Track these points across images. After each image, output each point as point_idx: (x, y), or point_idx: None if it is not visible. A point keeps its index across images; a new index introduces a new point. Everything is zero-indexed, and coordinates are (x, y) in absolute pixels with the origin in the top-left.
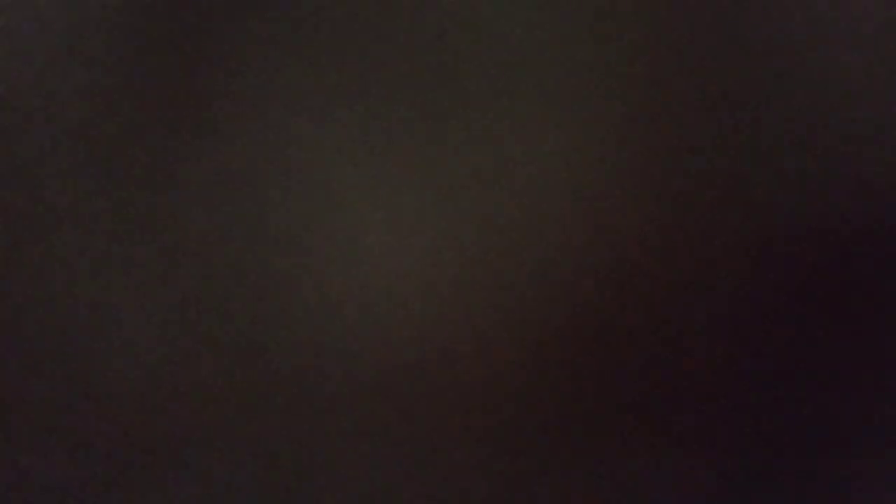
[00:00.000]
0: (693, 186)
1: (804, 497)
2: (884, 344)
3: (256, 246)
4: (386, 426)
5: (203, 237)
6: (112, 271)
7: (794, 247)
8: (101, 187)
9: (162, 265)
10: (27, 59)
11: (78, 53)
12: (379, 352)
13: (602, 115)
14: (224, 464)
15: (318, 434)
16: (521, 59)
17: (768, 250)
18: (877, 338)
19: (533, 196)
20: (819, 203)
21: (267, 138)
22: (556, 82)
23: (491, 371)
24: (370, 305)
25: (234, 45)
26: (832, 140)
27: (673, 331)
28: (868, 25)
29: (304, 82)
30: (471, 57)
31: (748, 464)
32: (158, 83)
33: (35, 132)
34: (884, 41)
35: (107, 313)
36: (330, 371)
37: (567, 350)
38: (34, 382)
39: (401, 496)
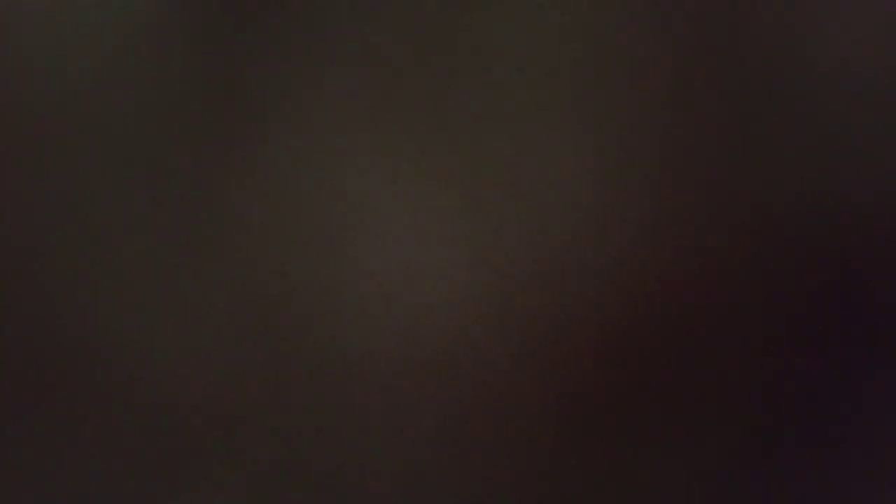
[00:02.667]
0: (706, 190)
1: (808, 497)
2: (889, 345)
3: (293, 253)
4: (414, 427)
5: (242, 245)
6: (154, 278)
7: (805, 249)
8: (144, 198)
9: (203, 272)
10: (70, 70)
11: (122, 67)
12: (409, 355)
13: (627, 122)
14: (255, 467)
15: (348, 434)
16: (548, 67)
17: (778, 252)
18: (883, 339)
19: (559, 202)
20: (829, 204)
21: (306, 149)
22: (586, 91)
23: (514, 372)
24: (403, 310)
25: (273, 57)
26: (846, 142)
27: (684, 334)
28: (871, 24)
29: (343, 95)
30: (504, 67)
31: (758, 466)
32: (197, 95)
33: (80, 143)
34: (886, 40)
35: (148, 319)
36: (363, 375)
37: (587, 351)
38: (70, 387)
39: (426, 494)
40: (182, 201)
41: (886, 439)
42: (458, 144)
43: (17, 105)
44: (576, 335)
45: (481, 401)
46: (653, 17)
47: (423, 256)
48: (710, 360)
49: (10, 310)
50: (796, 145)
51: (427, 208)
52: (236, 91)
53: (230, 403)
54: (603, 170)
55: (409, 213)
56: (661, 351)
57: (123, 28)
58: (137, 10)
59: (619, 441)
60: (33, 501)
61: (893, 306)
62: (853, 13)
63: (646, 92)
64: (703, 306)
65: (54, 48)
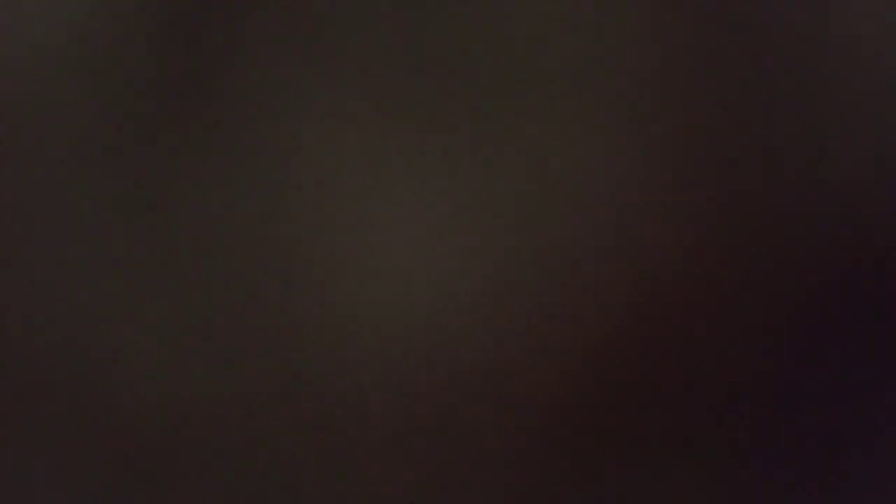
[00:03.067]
0: (707, 191)
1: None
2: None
3: (269, 251)
4: (413, 429)
5: (215, 242)
6: (120, 275)
7: (806, 250)
8: (110, 191)
9: (172, 270)
10: (36, 63)
11: (87, 57)
12: (407, 356)
13: (626, 122)
14: (252, 469)
15: (346, 436)
16: (549, 65)
17: (782, 254)
18: (883, 339)
19: (560, 203)
20: (831, 205)
21: (283, 142)
22: (592, 88)
23: (514, 374)
24: (401, 311)
25: (246, 46)
26: (848, 142)
27: (685, 335)
28: (872, 25)
29: (323, 86)
30: (498, 59)
31: (758, 468)
32: (168, 85)
33: (43, 136)
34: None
35: (113, 319)
36: (361, 376)
37: (589, 352)
38: (39, 390)
39: (426, 496)
40: (174, 202)
41: (887, 440)
42: (457, 144)
43: (4, 103)
44: (577, 337)
45: (481, 401)
46: (655, 16)
47: (422, 257)
48: (711, 362)
49: None
50: (799, 146)
51: (425, 209)
52: (230, 88)
53: (226, 405)
54: (603, 170)
55: (407, 213)
56: (662, 352)
57: (100, 20)
58: (128, 5)
59: (621, 443)
60: (29, 502)
61: (894, 306)
62: (855, 12)
63: (647, 91)
64: (704, 307)
65: (45, 44)
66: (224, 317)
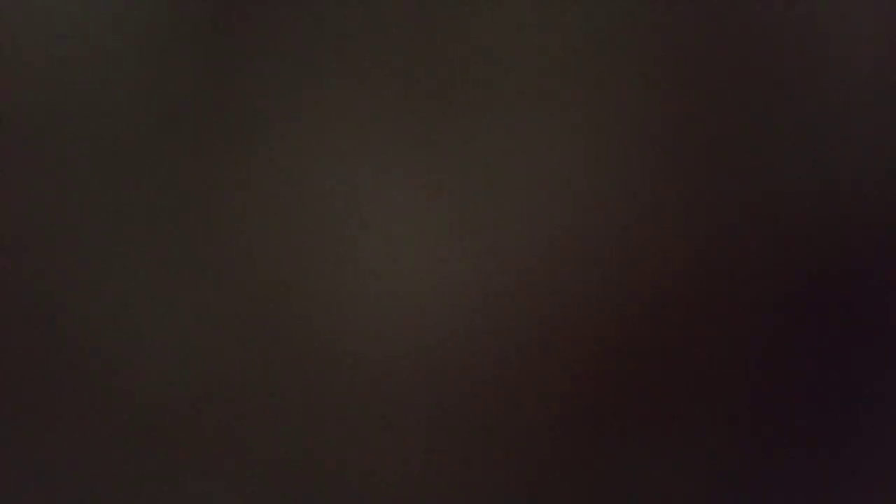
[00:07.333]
0: (706, 190)
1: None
2: (887, 346)
3: (291, 252)
4: (413, 428)
5: (239, 245)
6: (151, 277)
7: (805, 249)
8: (140, 197)
9: (199, 271)
10: (69, 70)
11: (121, 67)
12: (407, 355)
13: (621, 120)
14: (251, 467)
15: (346, 434)
16: (548, 65)
17: (779, 252)
18: (881, 340)
19: (560, 202)
20: (831, 202)
21: (304, 149)
22: (582, 89)
23: (512, 372)
24: (401, 310)
25: (272, 57)
26: (848, 138)
27: (684, 334)
28: (870, 24)
29: (341, 94)
30: (503, 66)
31: (757, 469)
32: (196, 93)
33: (74, 140)
34: (885, 40)
35: (145, 317)
36: (361, 374)
37: (588, 350)
38: (62, 387)
39: (425, 495)
40: (179, 201)
41: (887, 440)
42: (456, 144)
43: (13, 105)
44: (577, 335)
45: (480, 399)
46: (652, 13)
47: (421, 256)
48: (711, 360)
49: (5, 308)
50: (797, 143)
51: (425, 207)
52: (234, 90)
53: (227, 403)
54: (602, 169)
55: (407, 212)
56: (660, 351)
57: (121, 27)
58: (136, 10)
59: (621, 443)
60: (32, 502)
61: (894, 305)
62: (855, 9)
63: (645, 89)
64: (704, 305)
65: (53, 48)
66: (237, 315)
